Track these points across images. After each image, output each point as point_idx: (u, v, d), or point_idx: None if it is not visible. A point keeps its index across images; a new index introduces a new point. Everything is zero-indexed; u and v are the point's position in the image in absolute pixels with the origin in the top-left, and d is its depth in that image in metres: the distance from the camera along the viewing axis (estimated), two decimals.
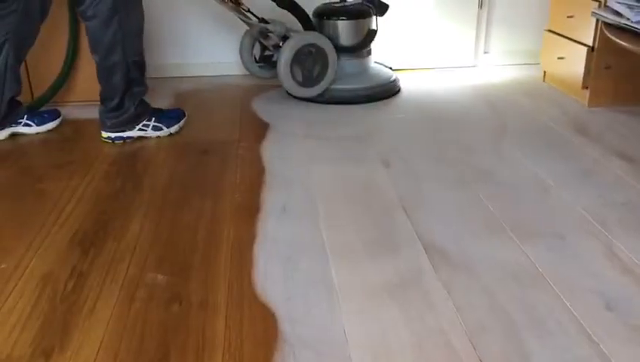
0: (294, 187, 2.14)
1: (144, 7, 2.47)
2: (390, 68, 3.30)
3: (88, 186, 2.15)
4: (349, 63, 3.07)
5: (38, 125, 2.61)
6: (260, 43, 3.07)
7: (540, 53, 3.29)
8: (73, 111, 2.85)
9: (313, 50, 2.87)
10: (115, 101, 2.46)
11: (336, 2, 3.11)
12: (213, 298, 1.53)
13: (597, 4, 2.73)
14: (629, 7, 2.51)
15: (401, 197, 2.04)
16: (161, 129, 2.56)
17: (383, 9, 3.07)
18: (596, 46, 2.77)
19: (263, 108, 2.95)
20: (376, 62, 3.30)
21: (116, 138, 2.52)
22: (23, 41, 2.45)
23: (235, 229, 1.86)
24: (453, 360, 1.32)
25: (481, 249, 1.74)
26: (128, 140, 2.53)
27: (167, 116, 2.62)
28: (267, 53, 3.12)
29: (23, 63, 2.63)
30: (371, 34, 3.06)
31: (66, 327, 1.44)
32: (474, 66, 3.63)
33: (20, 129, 2.58)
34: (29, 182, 2.20)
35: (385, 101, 3.04)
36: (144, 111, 2.54)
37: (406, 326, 1.43)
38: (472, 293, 1.54)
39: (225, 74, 3.42)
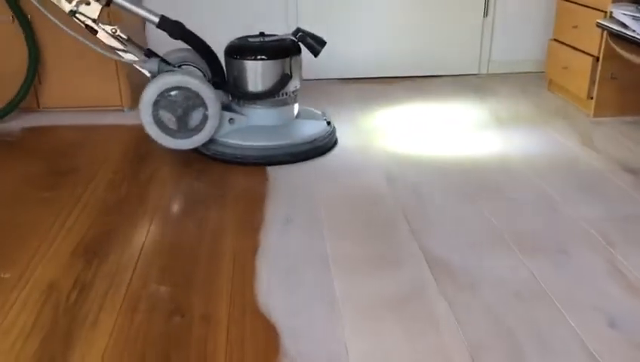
0: (298, 199, 2.14)
1: None
2: (327, 122, 2.61)
3: (92, 195, 2.16)
4: (254, 113, 2.49)
5: None
6: None
7: (544, 62, 3.29)
8: (62, 117, 2.87)
9: (189, 94, 2.33)
10: None
11: (255, 36, 2.51)
12: (215, 311, 1.54)
13: (602, 14, 2.73)
14: (635, 18, 2.51)
15: (404, 211, 2.04)
16: None
17: (316, 46, 2.41)
18: (601, 56, 2.77)
19: None
20: (312, 110, 2.70)
21: None
22: None
23: (238, 241, 1.86)
24: None
25: (485, 264, 1.73)
26: None
27: None
28: None
29: None
30: (284, 79, 2.44)
31: (69, 339, 1.44)
32: (478, 74, 3.63)
33: None
34: (33, 190, 2.21)
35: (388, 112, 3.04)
36: None
37: (408, 341, 1.43)
38: (475, 309, 1.54)
39: None
